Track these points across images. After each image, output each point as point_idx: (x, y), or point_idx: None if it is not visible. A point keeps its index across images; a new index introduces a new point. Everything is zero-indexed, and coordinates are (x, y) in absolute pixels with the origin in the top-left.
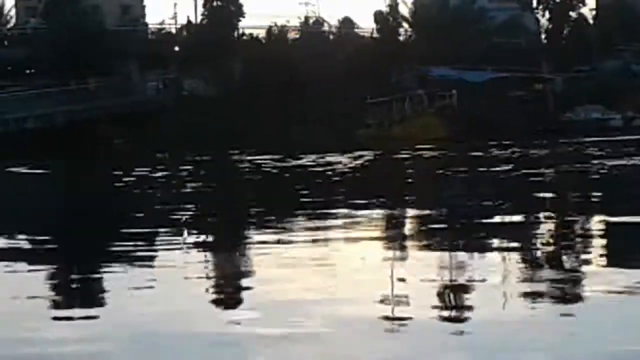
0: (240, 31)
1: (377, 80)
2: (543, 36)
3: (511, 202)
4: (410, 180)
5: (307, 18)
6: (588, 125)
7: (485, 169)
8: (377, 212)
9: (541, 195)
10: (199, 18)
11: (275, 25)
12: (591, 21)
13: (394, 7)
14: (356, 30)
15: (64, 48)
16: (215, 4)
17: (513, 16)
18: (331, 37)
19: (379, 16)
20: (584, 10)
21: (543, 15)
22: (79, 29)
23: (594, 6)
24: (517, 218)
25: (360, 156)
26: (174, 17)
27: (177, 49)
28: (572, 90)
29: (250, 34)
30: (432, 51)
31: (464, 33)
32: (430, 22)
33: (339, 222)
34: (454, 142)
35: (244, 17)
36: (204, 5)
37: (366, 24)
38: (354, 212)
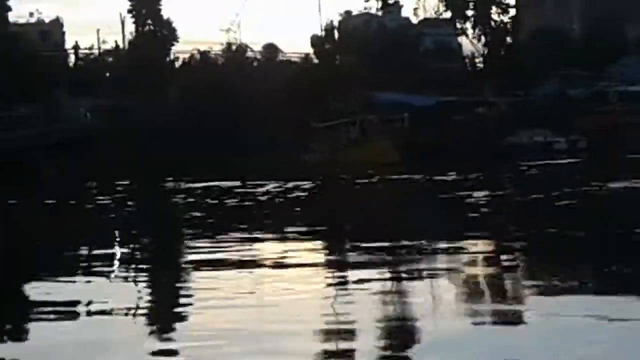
0: (173, 56)
1: (317, 105)
2: (477, 60)
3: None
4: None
5: (229, 44)
6: (532, 148)
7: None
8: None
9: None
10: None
11: (204, 51)
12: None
13: (329, 31)
14: (288, 55)
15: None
16: (146, 28)
17: (444, 41)
18: (255, 63)
19: (315, 41)
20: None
21: (479, 40)
22: (5, 56)
23: (527, 31)
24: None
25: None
26: (103, 42)
27: (107, 74)
28: (515, 114)
29: (184, 59)
30: (371, 75)
31: (401, 57)
32: (368, 46)
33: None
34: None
35: (177, 41)
36: (136, 30)
37: (288, 50)
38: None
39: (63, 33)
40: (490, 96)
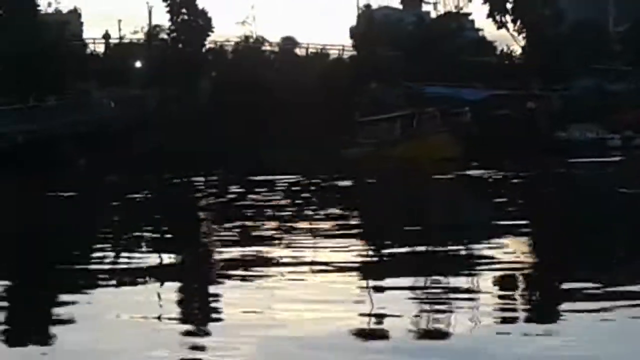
0: (208, 46)
1: (354, 98)
2: (514, 54)
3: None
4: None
5: (247, 37)
6: (587, 145)
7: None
8: None
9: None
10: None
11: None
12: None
13: (369, 22)
14: (326, 48)
15: (19, 64)
16: (182, 17)
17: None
18: (272, 56)
19: (355, 33)
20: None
21: (519, 33)
22: (33, 46)
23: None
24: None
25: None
26: (134, 32)
27: (138, 64)
28: (565, 109)
29: (219, 48)
30: (409, 68)
31: (440, 50)
32: (405, 39)
33: None
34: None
35: (212, 31)
36: (171, 19)
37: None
38: None
39: (81, 23)
40: (537, 90)
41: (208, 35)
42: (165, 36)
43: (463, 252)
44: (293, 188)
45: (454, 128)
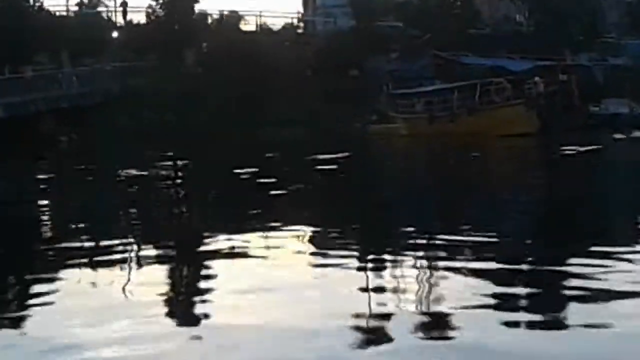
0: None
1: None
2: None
3: None
4: None
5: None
6: (626, 120)
7: None
8: None
9: None
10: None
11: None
12: None
13: None
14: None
15: None
16: None
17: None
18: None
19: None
20: None
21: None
22: (8, 13)
23: None
24: None
25: None
26: None
27: (115, 34)
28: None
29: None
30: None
31: (451, 21)
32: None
33: None
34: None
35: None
36: None
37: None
38: None
39: None
40: (570, 60)
41: (197, 2)
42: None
43: None
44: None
45: (528, 100)
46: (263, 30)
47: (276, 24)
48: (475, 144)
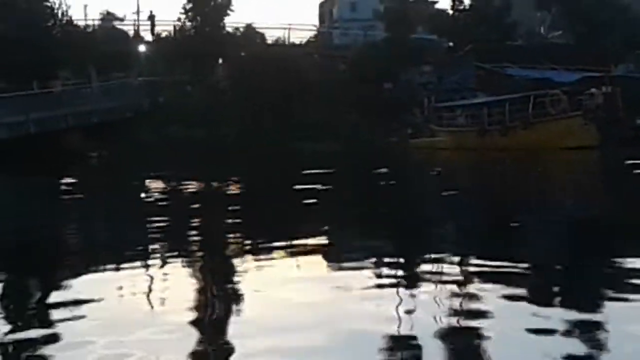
0: (226, 29)
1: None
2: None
3: None
4: None
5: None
6: None
7: None
8: None
9: None
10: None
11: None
12: None
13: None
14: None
15: (22, 47)
16: None
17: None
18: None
19: (390, 11)
20: None
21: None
22: (36, 27)
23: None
24: None
25: None
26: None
27: (143, 48)
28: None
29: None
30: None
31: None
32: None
33: None
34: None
35: (232, 11)
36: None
37: None
38: None
39: (68, 7)
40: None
41: (227, 15)
42: (182, 16)
43: None
44: None
45: (585, 112)
46: (291, 43)
47: (302, 37)
48: (533, 157)
